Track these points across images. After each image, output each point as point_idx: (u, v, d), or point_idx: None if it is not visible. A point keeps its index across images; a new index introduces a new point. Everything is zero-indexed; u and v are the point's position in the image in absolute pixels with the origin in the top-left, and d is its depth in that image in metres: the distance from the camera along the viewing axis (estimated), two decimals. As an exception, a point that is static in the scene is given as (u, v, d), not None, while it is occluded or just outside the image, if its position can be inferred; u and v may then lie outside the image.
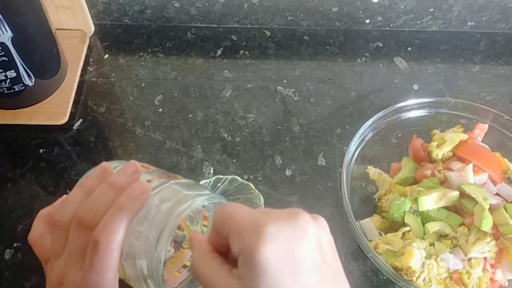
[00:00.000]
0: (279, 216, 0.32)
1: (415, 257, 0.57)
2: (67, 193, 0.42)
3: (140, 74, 0.82)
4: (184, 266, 0.43)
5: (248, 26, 0.87)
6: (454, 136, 0.66)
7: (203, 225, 0.45)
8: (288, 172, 0.71)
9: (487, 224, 0.57)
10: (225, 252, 0.35)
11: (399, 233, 0.61)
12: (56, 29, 0.74)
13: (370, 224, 0.63)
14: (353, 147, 0.66)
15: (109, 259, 0.36)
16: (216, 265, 0.34)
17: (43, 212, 0.42)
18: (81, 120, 0.76)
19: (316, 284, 0.31)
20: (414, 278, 0.57)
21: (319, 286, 0.31)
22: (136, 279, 0.38)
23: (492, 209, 0.59)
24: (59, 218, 0.39)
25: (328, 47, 0.85)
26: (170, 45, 0.86)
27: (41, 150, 0.73)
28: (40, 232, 0.41)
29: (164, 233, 0.36)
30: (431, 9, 0.84)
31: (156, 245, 0.36)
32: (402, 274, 0.57)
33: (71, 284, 0.37)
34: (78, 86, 0.78)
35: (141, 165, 0.41)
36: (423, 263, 0.58)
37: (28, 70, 0.69)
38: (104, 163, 0.42)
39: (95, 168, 0.42)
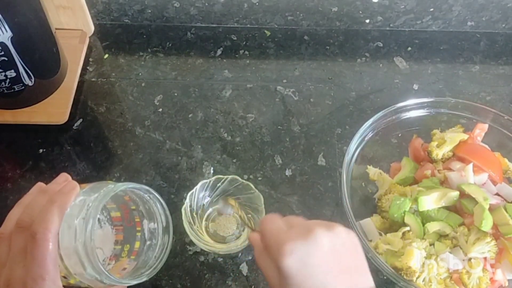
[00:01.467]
0: (296, 233, 0.41)
1: (415, 257, 0.57)
2: None
3: (140, 74, 0.82)
4: (124, 269, 0.48)
5: (248, 26, 0.87)
6: (454, 136, 0.66)
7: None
8: (288, 172, 0.71)
9: (487, 224, 0.57)
10: None
11: (399, 233, 0.61)
12: (56, 29, 0.74)
13: (370, 224, 0.63)
14: (353, 147, 0.66)
15: (48, 247, 0.39)
16: (269, 261, 0.42)
17: None
18: (81, 120, 0.76)
19: (331, 283, 0.39)
20: (414, 278, 0.57)
21: (334, 283, 0.39)
22: (76, 266, 0.41)
23: (492, 209, 0.59)
24: (2, 231, 0.42)
25: (328, 47, 0.85)
26: (170, 45, 0.86)
27: (41, 150, 0.73)
28: None
29: (92, 212, 0.41)
30: (431, 9, 0.84)
31: (87, 225, 0.40)
32: (402, 274, 0.57)
33: (17, 283, 0.39)
34: (78, 86, 0.78)
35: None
36: (423, 263, 0.58)
37: (28, 70, 0.69)
38: (38, 183, 0.47)
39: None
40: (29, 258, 0.39)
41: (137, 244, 0.49)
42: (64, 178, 0.47)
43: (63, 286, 0.41)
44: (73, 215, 0.41)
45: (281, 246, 0.40)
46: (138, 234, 0.49)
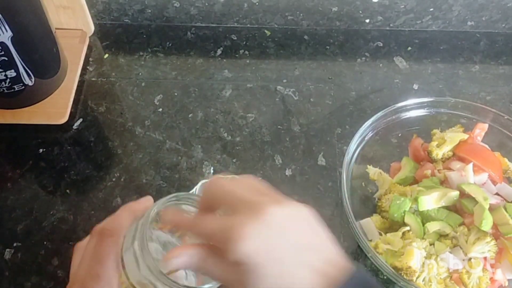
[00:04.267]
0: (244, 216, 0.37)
1: (415, 257, 0.57)
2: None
3: (140, 74, 0.82)
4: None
5: (248, 26, 0.87)
6: (454, 136, 0.66)
7: None
8: (288, 172, 0.71)
9: (487, 224, 0.57)
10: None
11: (399, 233, 0.61)
12: (56, 29, 0.74)
13: (370, 224, 0.63)
14: (353, 147, 0.66)
15: (110, 245, 0.39)
16: (215, 262, 0.37)
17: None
18: (81, 119, 0.76)
19: (293, 261, 0.36)
20: (414, 278, 0.57)
21: (296, 260, 0.36)
22: (132, 270, 0.40)
23: (492, 209, 0.59)
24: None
25: (328, 47, 0.85)
26: (170, 44, 0.85)
27: (41, 150, 0.73)
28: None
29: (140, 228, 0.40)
30: (431, 9, 0.84)
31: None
32: (402, 274, 0.57)
33: (78, 279, 0.39)
34: (78, 85, 0.78)
35: None
36: (423, 263, 0.58)
37: (28, 69, 0.69)
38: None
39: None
40: (92, 256, 0.40)
41: None
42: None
43: None
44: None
45: (233, 230, 0.35)
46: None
